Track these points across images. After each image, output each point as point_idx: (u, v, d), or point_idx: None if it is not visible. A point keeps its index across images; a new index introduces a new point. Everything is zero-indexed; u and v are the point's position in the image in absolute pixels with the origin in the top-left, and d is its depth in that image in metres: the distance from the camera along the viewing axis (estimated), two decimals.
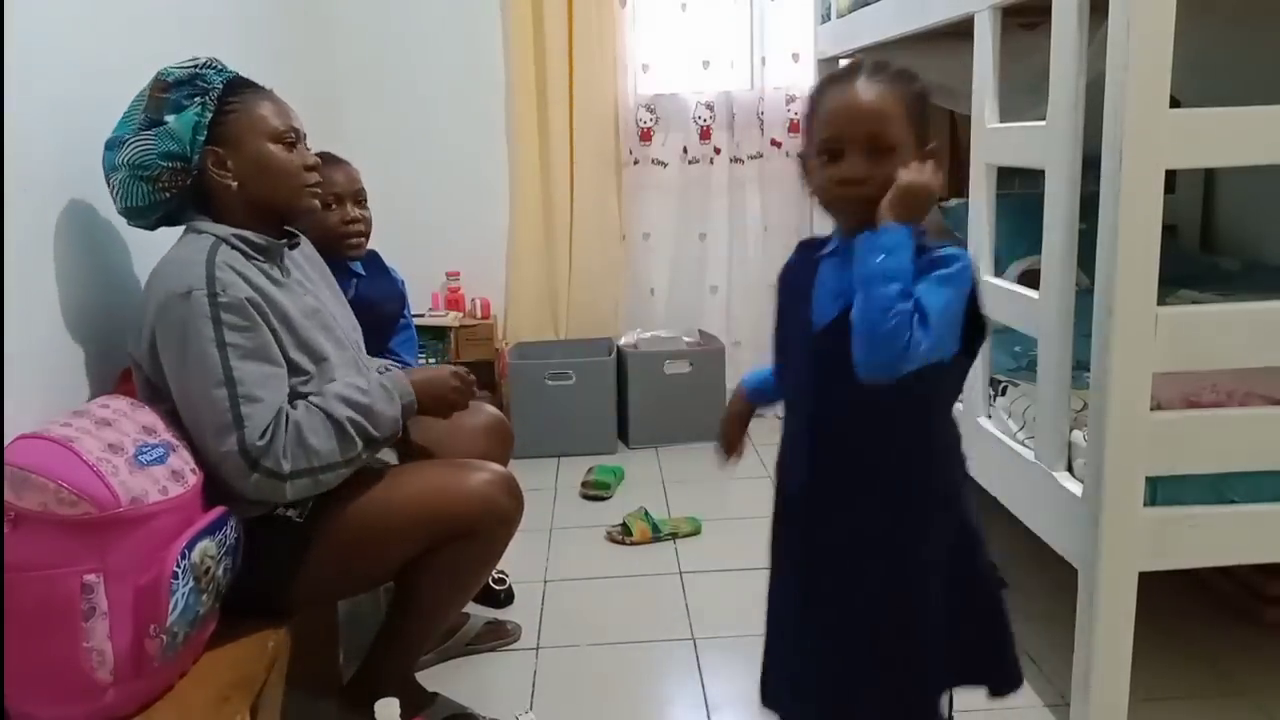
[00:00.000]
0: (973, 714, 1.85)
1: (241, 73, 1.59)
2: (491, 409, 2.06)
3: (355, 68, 3.46)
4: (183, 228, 1.54)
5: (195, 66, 1.51)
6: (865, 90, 1.16)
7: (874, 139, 1.14)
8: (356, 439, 1.49)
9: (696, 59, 3.58)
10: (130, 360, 1.49)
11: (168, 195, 1.49)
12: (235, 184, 1.51)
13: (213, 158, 1.49)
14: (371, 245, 2.23)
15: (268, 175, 1.53)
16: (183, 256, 1.45)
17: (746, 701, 1.93)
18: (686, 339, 3.59)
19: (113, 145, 1.48)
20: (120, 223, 1.66)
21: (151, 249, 1.57)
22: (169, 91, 1.48)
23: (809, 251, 1.28)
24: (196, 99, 1.48)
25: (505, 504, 1.61)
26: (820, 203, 1.22)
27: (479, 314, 3.59)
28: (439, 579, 1.59)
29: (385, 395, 1.56)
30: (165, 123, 1.47)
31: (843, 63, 3.48)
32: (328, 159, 2.00)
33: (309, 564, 1.50)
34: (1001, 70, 2.01)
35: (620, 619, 2.26)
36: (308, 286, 1.63)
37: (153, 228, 1.56)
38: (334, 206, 2.04)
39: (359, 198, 2.11)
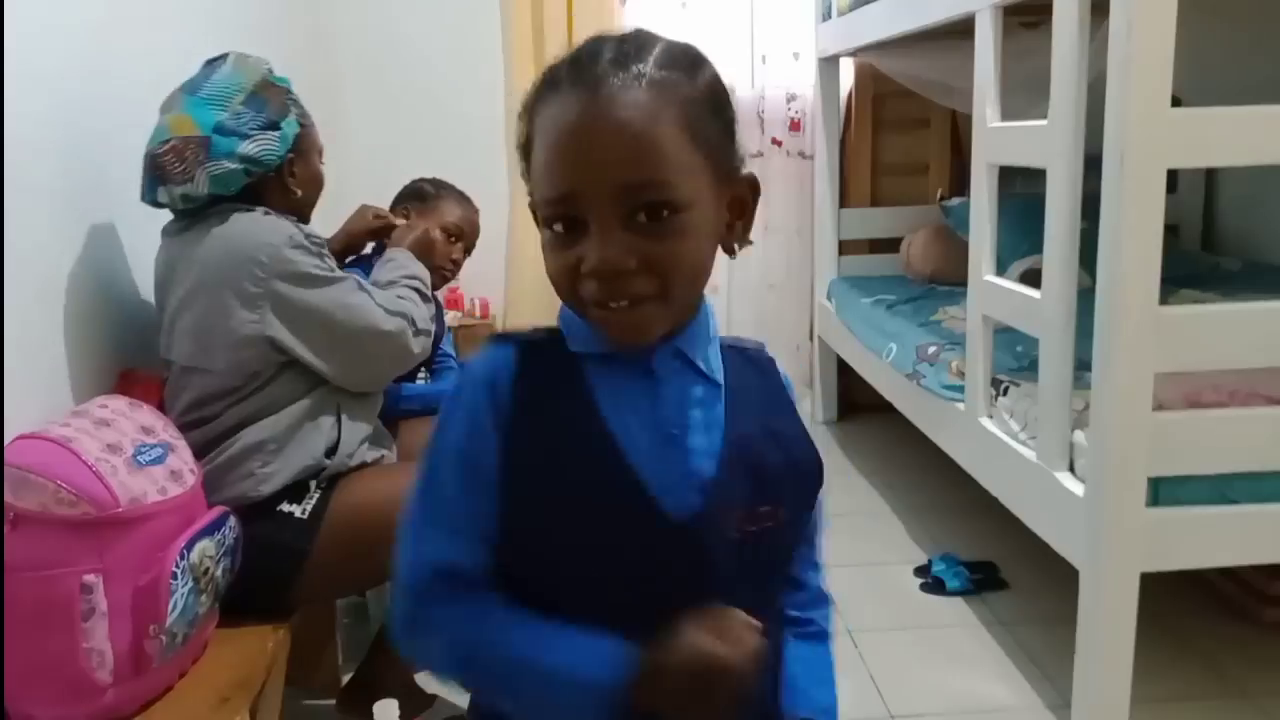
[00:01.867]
0: (973, 714, 1.85)
1: None
2: None
3: (354, 68, 3.45)
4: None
5: (271, 69, 1.57)
6: (620, 104, 0.70)
7: (639, 194, 0.70)
8: (420, 299, 1.68)
9: None
10: (226, 341, 1.46)
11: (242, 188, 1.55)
12: (299, 192, 1.60)
13: (289, 165, 1.57)
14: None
15: (315, 188, 1.66)
16: (261, 222, 1.49)
17: None
18: None
19: (227, 132, 1.48)
20: (121, 222, 1.66)
21: (151, 249, 1.57)
22: (286, 96, 1.56)
23: (539, 352, 0.78)
24: (294, 108, 1.57)
25: None
26: (562, 296, 0.76)
27: (478, 314, 3.58)
28: None
29: (405, 263, 1.73)
30: (280, 127, 1.53)
31: (845, 61, 3.51)
32: (463, 198, 2.13)
33: (313, 560, 1.50)
34: (1003, 69, 2.00)
35: None
36: None
37: (176, 209, 1.55)
38: (454, 240, 2.07)
39: (470, 247, 2.14)
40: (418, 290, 1.68)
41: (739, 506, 0.76)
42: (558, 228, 0.72)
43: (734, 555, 0.76)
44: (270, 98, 1.53)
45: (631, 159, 0.69)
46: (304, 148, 1.60)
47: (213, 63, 1.55)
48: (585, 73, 0.71)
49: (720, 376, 0.79)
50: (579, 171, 0.70)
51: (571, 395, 0.76)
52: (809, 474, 0.82)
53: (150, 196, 1.52)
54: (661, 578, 0.74)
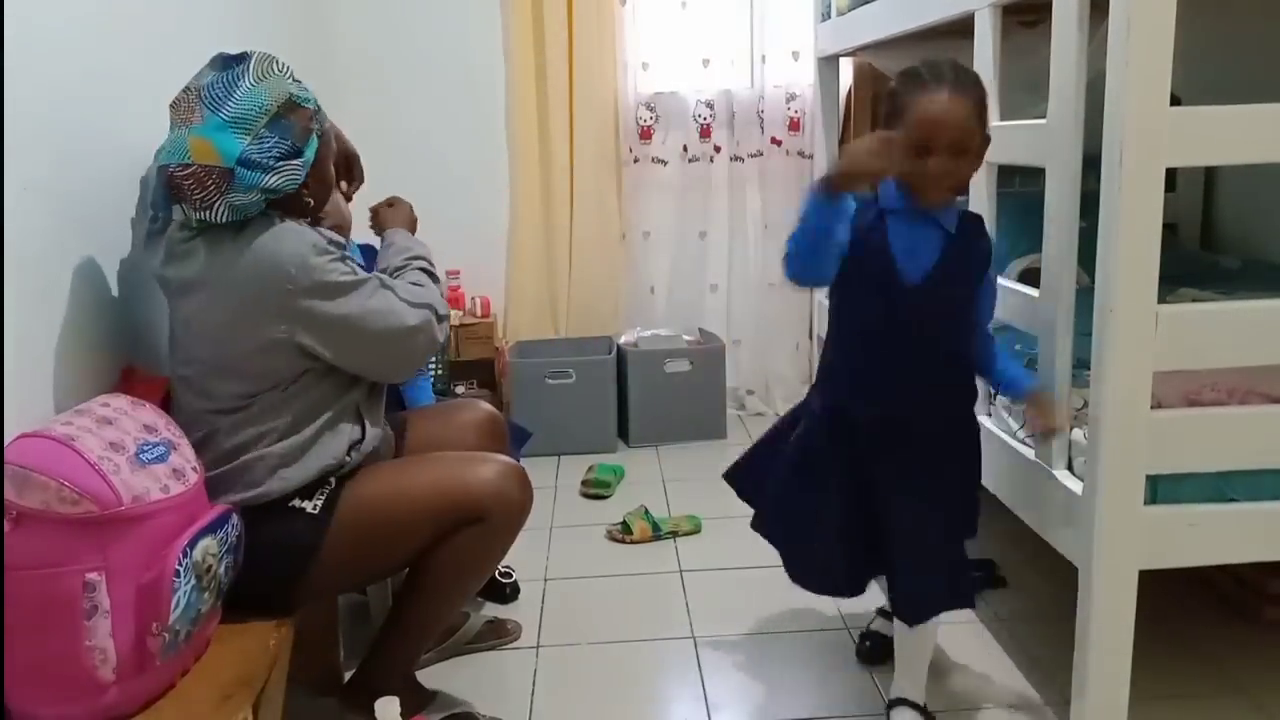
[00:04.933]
0: (972, 713, 1.86)
1: None
2: (486, 405, 2.06)
3: (355, 67, 3.46)
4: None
5: (297, 81, 1.52)
6: (955, 103, 1.49)
7: (957, 145, 1.51)
8: (432, 279, 1.72)
9: (696, 57, 3.58)
10: (253, 341, 1.47)
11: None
12: (312, 202, 1.57)
13: (306, 180, 1.53)
14: (372, 242, 2.22)
15: (326, 192, 1.64)
16: (282, 235, 1.47)
17: (747, 699, 1.93)
18: (686, 337, 3.59)
19: (252, 166, 1.43)
20: (120, 220, 1.66)
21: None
22: (312, 122, 1.52)
23: (871, 205, 1.59)
24: (316, 128, 1.54)
25: (517, 493, 1.63)
26: (902, 183, 1.55)
27: (479, 312, 3.58)
28: (449, 566, 1.60)
29: (407, 244, 1.79)
30: (303, 153, 1.50)
31: (845, 60, 3.52)
32: None
33: (325, 554, 1.51)
34: (1002, 68, 2.00)
35: (620, 618, 2.26)
36: None
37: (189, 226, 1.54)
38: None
39: (351, 173, 2.10)
40: (427, 271, 1.72)
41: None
42: (916, 150, 1.50)
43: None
44: (294, 121, 1.48)
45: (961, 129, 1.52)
46: (321, 156, 1.56)
47: (231, 64, 1.48)
48: (942, 81, 1.52)
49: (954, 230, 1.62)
50: (932, 130, 1.51)
51: (876, 225, 1.59)
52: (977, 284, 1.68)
53: (165, 210, 1.51)
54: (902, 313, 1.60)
